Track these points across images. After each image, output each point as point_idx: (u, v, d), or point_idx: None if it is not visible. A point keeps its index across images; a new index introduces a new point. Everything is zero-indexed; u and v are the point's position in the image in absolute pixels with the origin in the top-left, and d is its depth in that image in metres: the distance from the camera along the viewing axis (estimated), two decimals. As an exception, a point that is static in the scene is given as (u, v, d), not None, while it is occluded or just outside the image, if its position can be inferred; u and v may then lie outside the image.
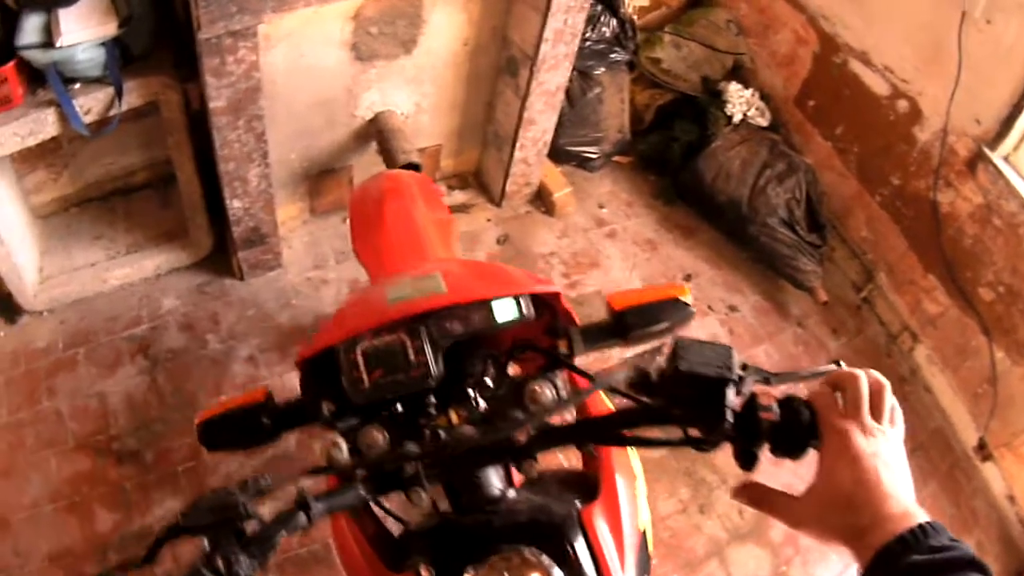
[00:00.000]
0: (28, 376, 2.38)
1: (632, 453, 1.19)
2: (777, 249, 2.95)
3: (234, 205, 2.37)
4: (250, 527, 0.86)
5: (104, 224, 2.64)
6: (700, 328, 2.87)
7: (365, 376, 0.99)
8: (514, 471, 1.05)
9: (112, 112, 2.13)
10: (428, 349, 1.00)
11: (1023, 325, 2.62)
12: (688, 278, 3.02)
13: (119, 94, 2.08)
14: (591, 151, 3.13)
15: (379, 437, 0.98)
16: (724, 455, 2.40)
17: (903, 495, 0.76)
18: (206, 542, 0.82)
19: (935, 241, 2.84)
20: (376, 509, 1.13)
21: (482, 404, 1.05)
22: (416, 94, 2.64)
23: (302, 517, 0.87)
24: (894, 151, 2.95)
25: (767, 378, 0.88)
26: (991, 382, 2.71)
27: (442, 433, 0.99)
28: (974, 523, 2.71)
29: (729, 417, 0.84)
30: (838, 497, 0.76)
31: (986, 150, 2.61)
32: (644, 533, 1.09)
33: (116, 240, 2.60)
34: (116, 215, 2.67)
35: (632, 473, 1.14)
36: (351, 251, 2.70)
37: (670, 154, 3.14)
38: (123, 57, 2.09)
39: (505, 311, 1.03)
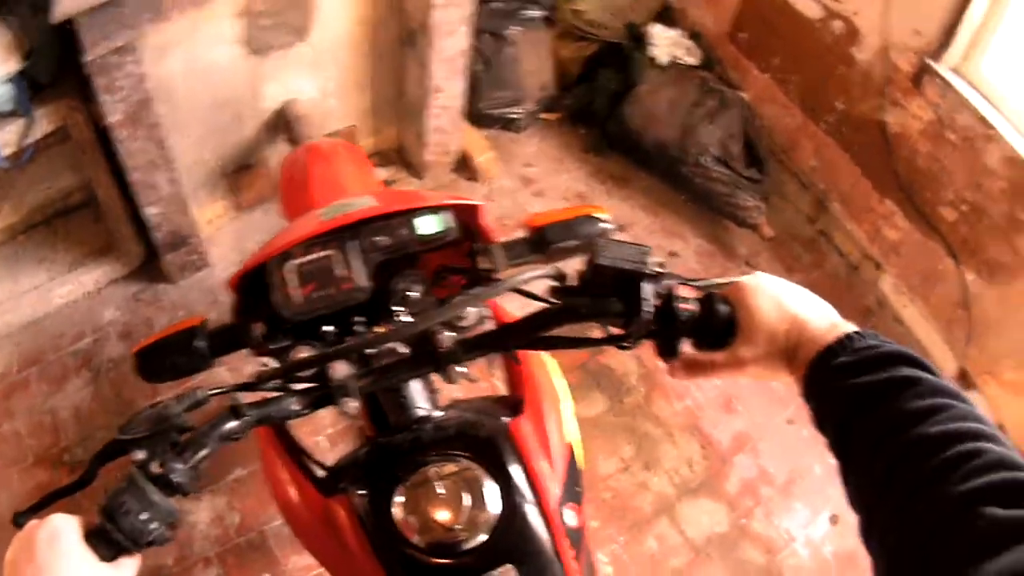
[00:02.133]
0: (-11, 402, 2.62)
1: (557, 375, 1.30)
2: (713, 188, 3.02)
3: (150, 212, 2.56)
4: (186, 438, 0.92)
5: (47, 247, 2.87)
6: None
7: (298, 291, 1.11)
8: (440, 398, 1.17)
9: (26, 142, 2.34)
10: (358, 262, 1.12)
11: (991, 244, 2.60)
12: (622, 228, 3.09)
13: (29, 124, 2.30)
14: (514, 111, 3.23)
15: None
16: (666, 406, 2.59)
17: (825, 313, 0.86)
18: (143, 452, 0.88)
19: (888, 164, 2.85)
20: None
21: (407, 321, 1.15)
22: (319, 78, 2.79)
23: (234, 423, 0.93)
24: (834, 75, 2.96)
25: (685, 282, 0.96)
26: (964, 306, 2.72)
27: (361, 328, 1.11)
28: (966, 460, 2.80)
29: (649, 308, 0.90)
30: (767, 330, 0.86)
31: (930, 62, 2.60)
32: (571, 445, 1.20)
33: (57, 261, 2.84)
34: (57, 236, 2.90)
35: (556, 394, 1.25)
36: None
37: (596, 105, 3.22)
38: (32, 87, 2.27)
39: (428, 224, 1.16)
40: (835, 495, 2.55)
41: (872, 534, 0.70)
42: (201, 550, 2.33)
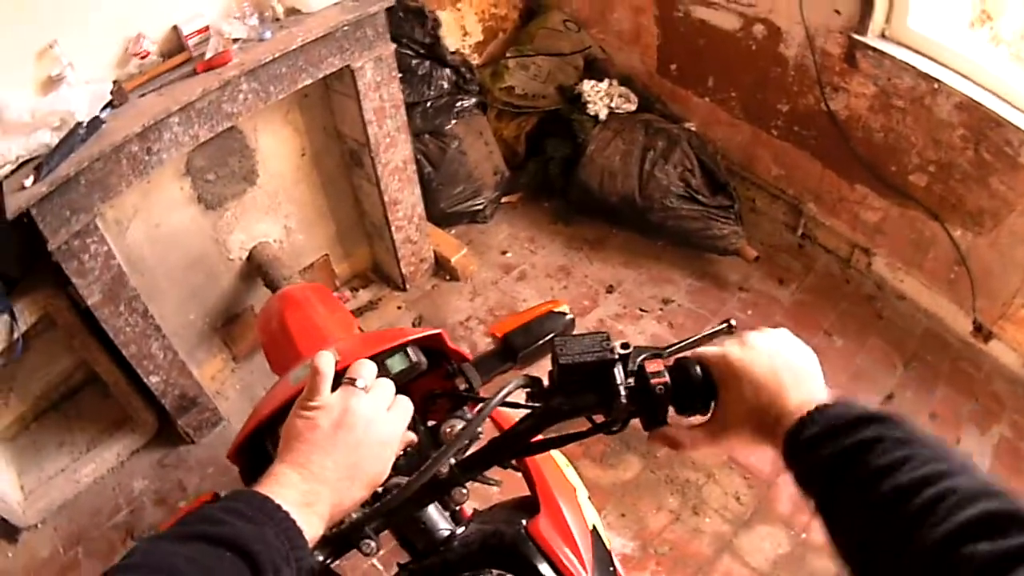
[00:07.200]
0: (41, 587, 2.69)
1: (566, 467, 1.34)
2: (686, 226, 3.04)
3: (152, 381, 2.65)
4: None
5: (63, 430, 2.99)
6: (638, 332, 2.95)
7: None
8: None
9: (15, 336, 2.44)
10: None
11: (967, 194, 2.60)
12: (610, 289, 3.11)
13: (13, 319, 2.40)
14: (476, 203, 3.30)
15: None
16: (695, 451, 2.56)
17: (804, 386, 0.85)
18: None
19: (847, 150, 2.86)
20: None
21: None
22: (280, 218, 2.91)
23: None
24: (770, 79, 3.00)
25: (658, 353, 0.96)
26: (960, 263, 2.71)
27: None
28: (1001, 408, 2.66)
29: (622, 392, 0.92)
30: (745, 406, 0.87)
31: (858, 37, 2.64)
32: (594, 528, 1.23)
33: (76, 442, 2.95)
34: (70, 418, 3.03)
35: (569, 485, 1.29)
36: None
37: (551, 176, 3.28)
38: (5, 283, 2.40)
39: (395, 363, 1.19)
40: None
41: None
42: None
